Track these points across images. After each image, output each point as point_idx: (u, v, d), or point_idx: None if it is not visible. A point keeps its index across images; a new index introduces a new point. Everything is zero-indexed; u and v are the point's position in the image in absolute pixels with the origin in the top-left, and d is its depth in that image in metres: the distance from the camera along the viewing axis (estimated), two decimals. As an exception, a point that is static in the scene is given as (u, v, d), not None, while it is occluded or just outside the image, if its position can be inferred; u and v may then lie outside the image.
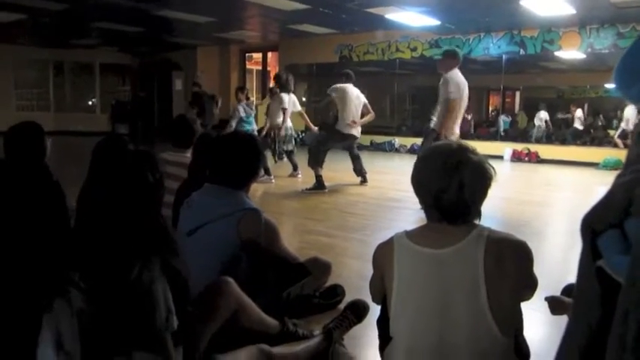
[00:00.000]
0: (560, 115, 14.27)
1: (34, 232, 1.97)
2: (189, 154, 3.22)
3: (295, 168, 7.75)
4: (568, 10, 9.27)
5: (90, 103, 18.52)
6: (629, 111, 11.54)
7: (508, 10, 9.63)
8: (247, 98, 8.62)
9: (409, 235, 1.54)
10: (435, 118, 5.51)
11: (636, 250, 0.63)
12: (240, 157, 2.16)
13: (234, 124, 7.97)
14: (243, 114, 8.09)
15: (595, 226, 0.73)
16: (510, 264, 1.43)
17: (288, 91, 7.40)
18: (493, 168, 1.52)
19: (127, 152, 2.14)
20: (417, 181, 1.54)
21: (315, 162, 6.64)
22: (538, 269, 1.52)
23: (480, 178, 1.48)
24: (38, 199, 2.14)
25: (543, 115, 13.92)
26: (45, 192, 2.20)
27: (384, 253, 1.55)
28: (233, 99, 9.19)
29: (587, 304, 0.76)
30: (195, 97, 10.00)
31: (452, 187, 1.45)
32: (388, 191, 6.77)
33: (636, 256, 0.62)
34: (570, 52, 11.38)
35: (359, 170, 7.11)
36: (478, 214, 1.52)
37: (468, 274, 1.42)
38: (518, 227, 4.78)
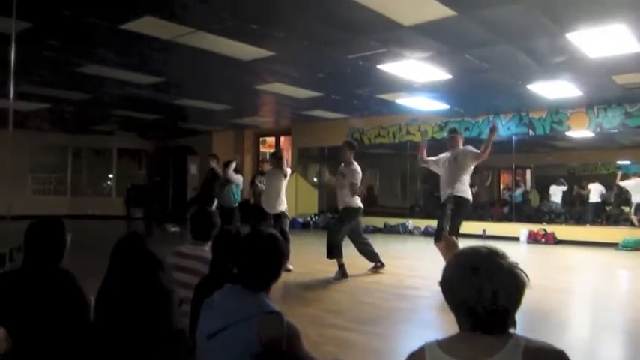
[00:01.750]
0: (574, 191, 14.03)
1: (52, 343, 1.92)
2: (207, 248, 3.20)
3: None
4: (575, 92, 9.48)
5: (106, 187, 18.84)
6: (631, 184, 11.61)
7: (516, 94, 9.87)
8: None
9: (441, 345, 1.47)
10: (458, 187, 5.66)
11: None
12: (262, 259, 2.13)
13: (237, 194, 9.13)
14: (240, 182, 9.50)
15: None
16: (549, 375, 1.36)
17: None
18: (525, 273, 1.48)
19: (146, 255, 2.14)
20: (447, 289, 1.50)
21: (338, 252, 6.56)
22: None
23: (514, 285, 1.44)
24: (55, 308, 2.11)
25: (559, 188, 13.55)
26: (62, 299, 2.17)
27: (416, 365, 1.48)
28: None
29: None
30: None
31: (485, 296, 1.40)
32: (405, 278, 6.61)
33: None
34: (579, 132, 11.48)
35: (371, 255, 6.94)
36: (513, 323, 1.46)
37: (506, 387, 1.35)
38: (544, 316, 4.61)
